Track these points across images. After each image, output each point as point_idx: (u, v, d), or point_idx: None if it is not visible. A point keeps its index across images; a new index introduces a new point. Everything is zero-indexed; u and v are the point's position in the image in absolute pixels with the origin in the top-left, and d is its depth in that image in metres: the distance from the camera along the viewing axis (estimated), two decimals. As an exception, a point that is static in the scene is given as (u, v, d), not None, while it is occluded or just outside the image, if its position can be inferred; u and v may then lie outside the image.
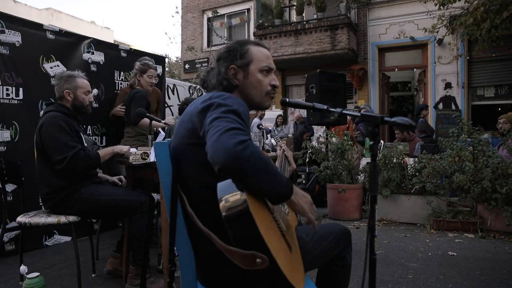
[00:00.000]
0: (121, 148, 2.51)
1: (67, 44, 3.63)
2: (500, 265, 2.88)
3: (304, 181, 6.00)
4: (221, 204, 0.99)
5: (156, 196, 3.00)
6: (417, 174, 4.39)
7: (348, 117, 6.51)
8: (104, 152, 2.45)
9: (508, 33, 7.09)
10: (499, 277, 2.64)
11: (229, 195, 1.01)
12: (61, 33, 3.58)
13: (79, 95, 2.47)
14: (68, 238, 3.49)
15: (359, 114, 1.16)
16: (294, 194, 1.11)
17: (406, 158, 4.62)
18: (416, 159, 4.64)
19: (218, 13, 12.12)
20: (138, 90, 3.29)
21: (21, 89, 3.21)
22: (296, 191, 1.12)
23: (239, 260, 1.02)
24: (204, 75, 1.43)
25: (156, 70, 3.49)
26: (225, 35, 12.12)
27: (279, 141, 2.38)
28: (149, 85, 3.38)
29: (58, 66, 3.52)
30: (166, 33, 40.83)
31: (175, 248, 1.27)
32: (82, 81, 2.51)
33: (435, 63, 9.15)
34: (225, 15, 12.34)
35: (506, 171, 3.67)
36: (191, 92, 6.40)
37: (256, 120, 7.78)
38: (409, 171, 4.51)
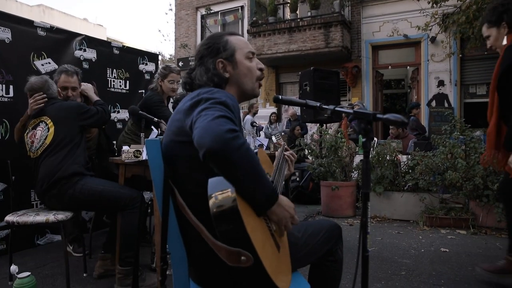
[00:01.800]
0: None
1: (59, 41, 3.59)
2: (491, 261, 2.89)
3: (298, 178, 6.02)
4: (211, 201, 0.99)
5: (149, 194, 3.00)
6: (410, 171, 4.42)
7: (343, 114, 6.53)
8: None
9: (499, 31, 7.14)
10: (491, 272, 2.66)
11: (219, 193, 1.00)
12: (52, 30, 3.54)
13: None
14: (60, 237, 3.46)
15: (351, 111, 1.16)
16: (277, 205, 1.09)
17: (399, 156, 4.64)
18: (409, 156, 4.67)
19: (211, 10, 12.06)
20: (151, 94, 3.08)
21: (11, 86, 3.16)
22: (281, 200, 1.11)
23: (225, 256, 1.02)
24: (185, 78, 1.39)
25: (179, 74, 3.14)
26: (219, 33, 12.06)
27: (279, 139, 2.31)
28: (170, 90, 3.10)
29: (49, 63, 3.48)
30: (159, 31, 40.65)
31: (167, 246, 1.26)
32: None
33: (428, 60, 9.20)
34: (219, 12, 12.29)
35: (497, 168, 3.70)
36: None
37: (249, 118, 7.77)
38: (402, 168, 4.53)
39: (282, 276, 1.09)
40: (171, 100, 3.55)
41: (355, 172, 4.90)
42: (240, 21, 11.97)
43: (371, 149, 4.62)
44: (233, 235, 0.99)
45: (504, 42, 2.27)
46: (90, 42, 3.90)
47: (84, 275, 2.66)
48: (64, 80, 2.75)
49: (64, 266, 2.25)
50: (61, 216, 2.25)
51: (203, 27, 12.70)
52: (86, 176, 2.44)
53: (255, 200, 1.05)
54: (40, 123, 2.53)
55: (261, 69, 1.40)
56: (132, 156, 2.36)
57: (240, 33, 12.71)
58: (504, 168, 2.36)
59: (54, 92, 2.65)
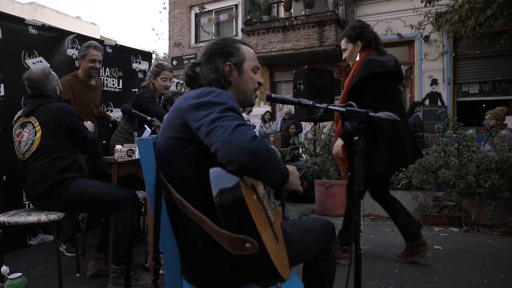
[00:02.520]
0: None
1: (51, 39, 3.55)
2: (483, 258, 2.94)
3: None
4: (214, 191, 0.99)
5: (143, 193, 2.98)
6: (404, 169, 4.44)
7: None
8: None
9: (491, 31, 7.21)
10: (481, 269, 2.70)
11: (222, 182, 1.01)
12: (43, 28, 3.50)
13: (61, 89, 2.65)
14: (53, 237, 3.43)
15: (344, 109, 1.16)
16: (290, 175, 1.18)
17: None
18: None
19: (205, 9, 12.02)
20: (142, 91, 3.11)
21: (2, 85, 3.13)
22: (290, 171, 1.20)
23: (229, 244, 1.02)
24: (189, 71, 1.40)
25: (172, 72, 3.20)
26: (213, 31, 12.04)
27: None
28: (163, 88, 3.11)
29: (41, 62, 3.44)
30: (153, 29, 40.52)
31: (159, 246, 1.26)
32: (55, 74, 2.62)
33: (421, 59, 9.26)
34: (213, 11, 12.25)
35: (490, 166, 3.74)
36: (178, 88, 6.35)
37: (243, 116, 7.77)
38: (395, 167, 4.55)
39: (283, 266, 1.09)
40: (163, 97, 3.54)
41: (349, 170, 4.91)
42: (234, 19, 11.94)
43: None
44: (239, 223, 1.00)
45: (357, 58, 2.66)
46: (83, 40, 3.85)
47: (77, 275, 2.64)
48: (94, 54, 3.10)
49: (56, 267, 2.23)
50: (53, 216, 2.23)
51: (197, 26, 12.66)
52: (77, 178, 2.38)
53: (279, 181, 1.14)
54: (28, 124, 2.41)
55: (259, 83, 1.45)
56: (125, 155, 2.35)
57: (234, 32, 12.65)
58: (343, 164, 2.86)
59: (50, 90, 2.51)
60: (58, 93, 2.59)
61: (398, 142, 2.59)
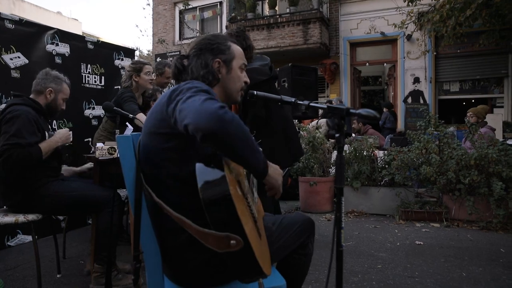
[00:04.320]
0: (62, 138, 2.36)
1: (29, 35, 3.45)
2: (462, 252, 3.01)
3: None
4: (200, 186, 0.99)
5: (125, 191, 2.94)
6: (387, 166, 4.51)
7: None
8: (47, 146, 2.24)
9: (471, 31, 7.38)
10: (461, 263, 2.76)
11: (208, 177, 1.00)
12: (21, 22, 3.40)
13: (59, 99, 2.48)
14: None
15: (325, 106, 1.17)
16: (271, 167, 1.19)
17: (376, 151, 4.73)
18: (385, 151, 4.76)
19: (189, 5, 11.90)
20: (123, 90, 3.04)
21: (-23, 81, 3.03)
22: (269, 164, 1.19)
23: (213, 242, 1.02)
24: (178, 63, 1.39)
25: (151, 65, 3.21)
26: (197, 28, 11.94)
27: None
28: (148, 83, 3.10)
29: (19, 57, 3.34)
30: (137, 26, 40.03)
31: (140, 245, 1.24)
32: (67, 88, 2.52)
33: (404, 58, 9.40)
34: (197, 8, 12.14)
35: (469, 163, 3.82)
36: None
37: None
38: (379, 164, 4.62)
39: (266, 262, 1.10)
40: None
41: (333, 167, 4.96)
42: (218, 17, 11.86)
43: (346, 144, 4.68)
44: (225, 218, 0.99)
45: None
46: (63, 36, 3.77)
47: (58, 276, 2.58)
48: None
49: (36, 268, 2.18)
50: (31, 216, 2.17)
51: (181, 23, 12.53)
52: (53, 182, 2.27)
53: (256, 166, 1.11)
54: None
55: (246, 82, 1.45)
56: (107, 153, 2.31)
57: (218, 29, 12.56)
58: None
59: (41, 86, 2.39)
60: (49, 97, 2.41)
61: (292, 136, 2.69)
